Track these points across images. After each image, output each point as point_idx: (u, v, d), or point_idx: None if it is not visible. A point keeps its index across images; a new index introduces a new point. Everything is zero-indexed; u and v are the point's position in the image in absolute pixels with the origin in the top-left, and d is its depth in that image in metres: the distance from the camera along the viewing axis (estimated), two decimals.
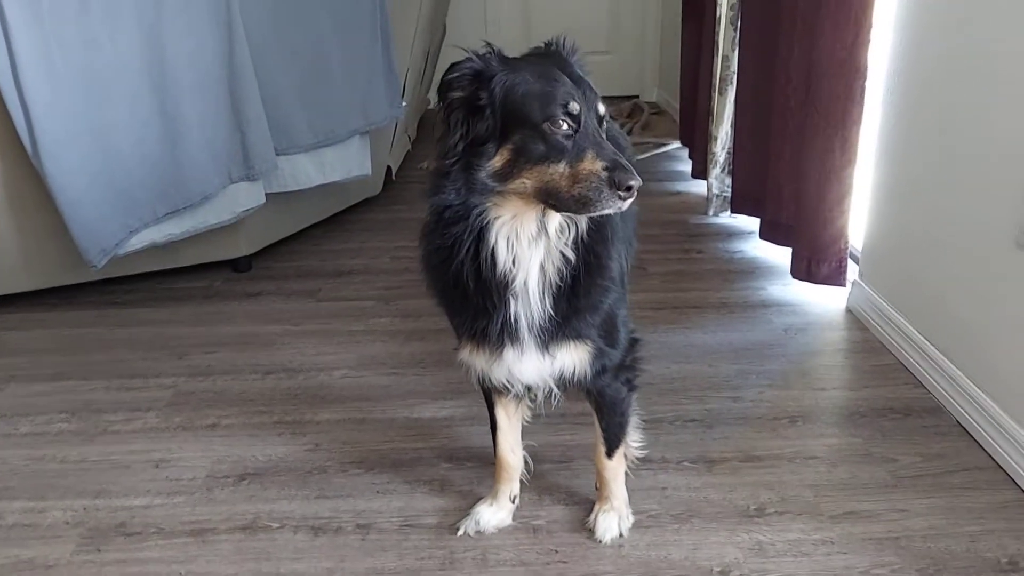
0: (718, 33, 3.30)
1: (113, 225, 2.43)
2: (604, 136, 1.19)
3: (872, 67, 2.27)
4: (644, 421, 1.72)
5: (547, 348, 1.33)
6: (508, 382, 1.40)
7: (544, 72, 1.20)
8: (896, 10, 2.18)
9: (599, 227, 1.29)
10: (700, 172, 3.69)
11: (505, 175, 1.19)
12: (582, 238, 1.27)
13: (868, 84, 2.29)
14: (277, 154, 2.78)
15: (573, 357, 1.36)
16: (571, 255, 1.26)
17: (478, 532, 1.58)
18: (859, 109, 2.30)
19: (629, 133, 4.95)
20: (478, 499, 1.65)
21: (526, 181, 1.18)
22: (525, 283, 1.26)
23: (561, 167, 1.16)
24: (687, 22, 4.05)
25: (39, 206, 2.42)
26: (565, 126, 1.16)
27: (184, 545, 1.58)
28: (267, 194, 2.81)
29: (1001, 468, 1.73)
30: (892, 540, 1.52)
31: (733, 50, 3.16)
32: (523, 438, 1.65)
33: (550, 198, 1.17)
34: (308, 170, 3.00)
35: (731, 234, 3.24)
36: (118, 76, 2.36)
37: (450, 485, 1.74)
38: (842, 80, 2.29)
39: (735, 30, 3.13)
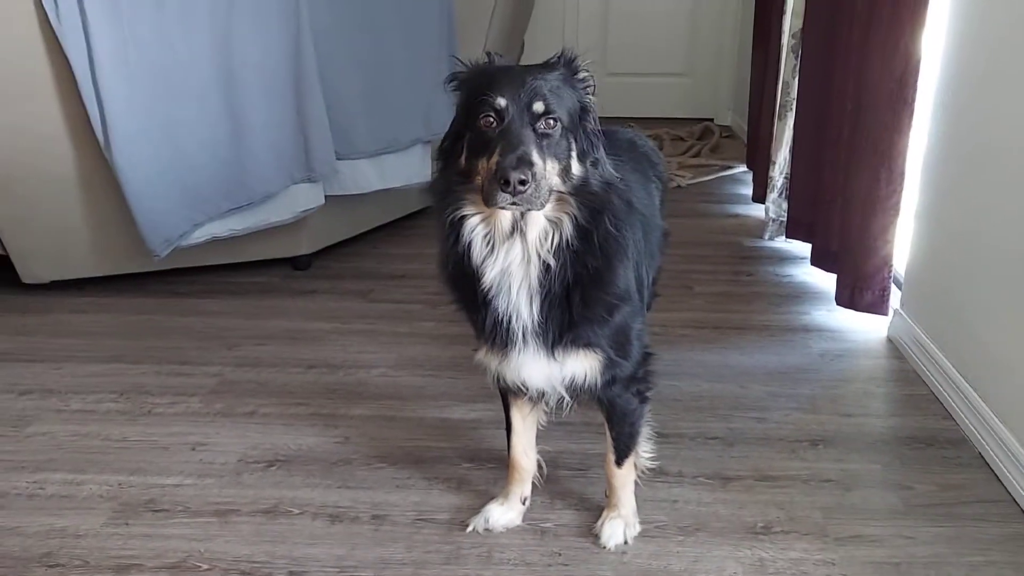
0: (781, 60, 3.30)
1: (177, 217, 2.54)
2: (536, 134, 1.19)
3: (919, 97, 2.25)
4: (663, 435, 1.72)
5: (553, 354, 1.35)
6: (522, 385, 1.43)
7: (496, 72, 1.24)
8: (944, 42, 2.17)
9: (604, 239, 1.28)
10: (760, 196, 3.66)
11: (466, 173, 1.24)
12: (569, 245, 1.26)
13: (915, 114, 2.26)
14: (338, 158, 2.86)
15: (583, 365, 1.38)
16: (553, 262, 1.26)
17: (487, 530, 1.61)
18: (905, 140, 2.29)
19: (697, 155, 4.95)
20: (492, 499, 1.67)
21: (478, 178, 1.22)
22: (506, 285, 1.29)
23: (483, 162, 1.20)
24: (756, 48, 4.04)
25: (109, 196, 2.54)
26: (492, 122, 1.19)
27: (207, 524, 1.65)
28: (329, 196, 2.90)
29: (1016, 502, 1.68)
30: (893, 565, 1.49)
31: (793, 77, 3.15)
32: (539, 443, 1.67)
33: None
34: (368, 175, 3.07)
35: (783, 258, 3.18)
36: (189, 75, 2.47)
37: (467, 484, 1.77)
38: (890, 111, 2.28)
39: (796, 58, 3.11)
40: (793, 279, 2.98)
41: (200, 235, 2.63)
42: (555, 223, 1.26)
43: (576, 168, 1.25)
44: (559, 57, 1.31)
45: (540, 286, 1.28)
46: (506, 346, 1.35)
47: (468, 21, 3.55)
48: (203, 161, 2.55)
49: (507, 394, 1.58)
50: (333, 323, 2.63)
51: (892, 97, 2.26)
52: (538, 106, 1.20)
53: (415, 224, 3.60)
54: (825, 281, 2.86)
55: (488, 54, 1.32)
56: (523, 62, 4.72)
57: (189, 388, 2.20)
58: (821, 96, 2.80)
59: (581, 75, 1.29)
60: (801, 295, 2.83)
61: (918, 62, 2.20)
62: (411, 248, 3.34)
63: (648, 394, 1.50)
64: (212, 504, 1.72)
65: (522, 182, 1.13)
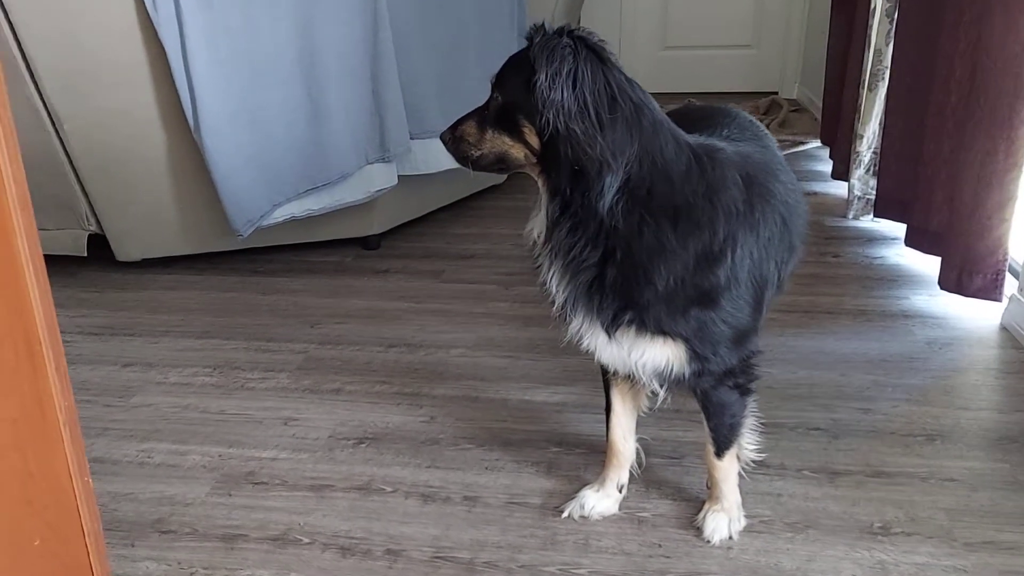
0: (871, 26, 3.10)
1: (260, 199, 2.60)
2: (487, 108, 1.30)
3: None
4: (763, 424, 1.64)
5: (608, 332, 1.32)
6: (600, 361, 1.42)
7: None
8: None
9: (628, 232, 1.23)
10: (841, 173, 3.49)
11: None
12: (559, 219, 1.26)
13: None
14: (411, 138, 2.88)
15: (663, 353, 1.32)
16: (560, 235, 1.26)
17: (582, 517, 1.57)
18: None
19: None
20: (584, 484, 1.64)
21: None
22: (540, 252, 1.33)
23: None
24: (836, 15, 3.83)
25: (196, 178, 2.62)
26: None
27: (304, 498, 1.67)
28: (399, 176, 2.91)
29: None
30: None
31: (887, 44, 2.96)
32: (637, 429, 1.62)
33: None
34: (439, 155, 2.96)
35: (872, 239, 3.05)
36: (274, 62, 2.52)
37: (557, 468, 1.75)
38: (1011, 75, 2.10)
39: (891, 22, 2.94)
40: (885, 261, 2.85)
41: (279, 215, 2.68)
42: (549, 194, 1.27)
43: (533, 140, 1.24)
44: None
45: (549, 254, 1.30)
46: (563, 310, 1.35)
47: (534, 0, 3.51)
48: (285, 144, 2.61)
49: (605, 373, 1.54)
50: (408, 303, 2.63)
51: (1015, 59, 2.07)
52: (493, 82, 1.29)
53: (480, 204, 3.58)
54: (923, 263, 2.72)
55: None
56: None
57: (277, 364, 2.23)
58: (923, 62, 2.61)
59: (532, 50, 1.20)
60: (897, 278, 2.70)
61: None
62: (478, 228, 3.32)
63: (751, 386, 1.42)
64: (308, 478, 1.74)
65: (442, 138, 1.35)
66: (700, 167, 1.25)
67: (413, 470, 1.76)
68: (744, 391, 1.42)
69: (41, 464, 0.80)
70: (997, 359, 2.16)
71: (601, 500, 1.58)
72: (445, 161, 3.10)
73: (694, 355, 1.31)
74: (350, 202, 2.80)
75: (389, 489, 1.69)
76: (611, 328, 1.31)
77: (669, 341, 1.30)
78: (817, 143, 4.31)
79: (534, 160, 1.27)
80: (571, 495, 1.62)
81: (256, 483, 1.73)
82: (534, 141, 1.24)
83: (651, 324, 1.29)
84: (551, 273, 1.31)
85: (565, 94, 1.15)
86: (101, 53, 2.44)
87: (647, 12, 5.76)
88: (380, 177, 2.84)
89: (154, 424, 1.96)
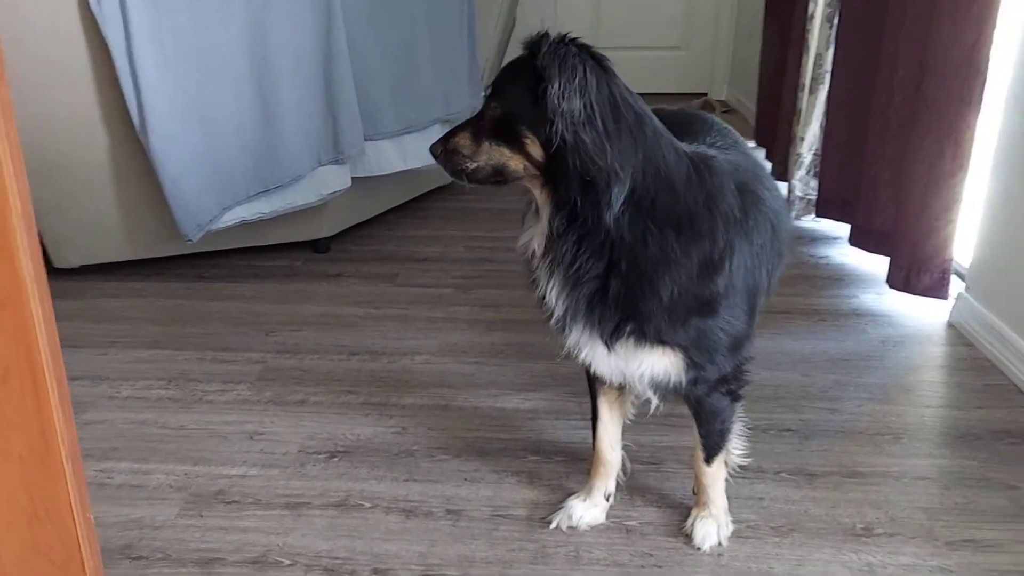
0: (809, 31, 3.19)
1: (209, 202, 2.50)
2: (484, 119, 1.26)
3: (992, 66, 2.16)
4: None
5: (608, 345, 1.30)
6: (594, 372, 1.40)
7: None
8: None
9: (634, 243, 1.22)
10: (780, 174, 3.58)
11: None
12: (562, 231, 1.24)
13: (987, 85, 2.18)
14: (364, 140, 2.83)
15: (661, 362, 1.31)
16: (544, 244, 1.27)
17: (570, 527, 1.56)
18: (975, 113, 2.19)
19: None
20: (568, 494, 1.63)
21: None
22: (538, 263, 1.31)
23: None
24: (771, 20, 3.92)
25: (141, 181, 2.51)
26: None
27: (280, 517, 1.60)
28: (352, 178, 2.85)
29: None
30: (1019, 574, 1.44)
31: (828, 47, 3.05)
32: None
33: None
34: (391, 156, 3.05)
35: (815, 239, 3.14)
36: (224, 61, 2.43)
37: (538, 478, 1.73)
38: (959, 81, 2.18)
39: (831, 27, 3.04)
40: (831, 260, 2.94)
41: (229, 219, 2.59)
42: (553, 206, 1.24)
43: (535, 151, 1.22)
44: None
45: (548, 267, 1.28)
46: (559, 324, 1.33)
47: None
48: (236, 145, 2.52)
49: (593, 381, 1.53)
50: (364, 308, 2.57)
51: (962, 65, 2.15)
52: (488, 92, 1.26)
53: (428, 205, 3.54)
54: (868, 262, 2.82)
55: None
56: (514, 38, 4.67)
57: (235, 375, 2.14)
58: (865, 66, 2.69)
59: (540, 58, 1.17)
60: (844, 277, 2.78)
61: (994, 26, 2.10)
62: (427, 230, 3.28)
63: (741, 392, 1.44)
64: (282, 496, 1.67)
65: (433, 151, 1.30)
66: (699, 176, 1.26)
67: (390, 484, 1.71)
68: (735, 397, 1.43)
69: (47, 503, 0.73)
70: (949, 356, 2.26)
71: (589, 510, 1.57)
72: (397, 163, 3.08)
73: (691, 364, 1.31)
74: (302, 205, 2.72)
75: (368, 505, 1.64)
76: (611, 340, 1.29)
77: (668, 351, 1.30)
78: (751, 145, 4.42)
79: (534, 172, 1.25)
80: (556, 505, 1.61)
81: (228, 502, 1.65)
82: (536, 152, 1.22)
83: (651, 335, 1.28)
84: (550, 285, 1.29)
85: (575, 104, 1.13)
86: (40, 52, 2.31)
87: (580, 13, 5.81)
88: (333, 179, 2.78)
89: (110, 442, 1.85)
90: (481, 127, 1.26)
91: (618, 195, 1.18)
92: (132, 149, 2.44)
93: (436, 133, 3.23)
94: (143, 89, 2.30)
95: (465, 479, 1.73)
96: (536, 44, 1.18)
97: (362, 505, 1.64)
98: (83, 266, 2.75)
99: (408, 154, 3.10)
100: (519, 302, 2.57)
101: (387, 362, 2.23)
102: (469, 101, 3.38)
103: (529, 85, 1.17)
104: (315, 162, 2.69)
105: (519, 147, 1.22)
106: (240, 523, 1.59)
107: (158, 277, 2.77)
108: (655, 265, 1.23)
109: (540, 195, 1.27)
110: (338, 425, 1.92)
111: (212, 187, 2.49)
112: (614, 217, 1.19)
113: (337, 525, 1.58)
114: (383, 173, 3.01)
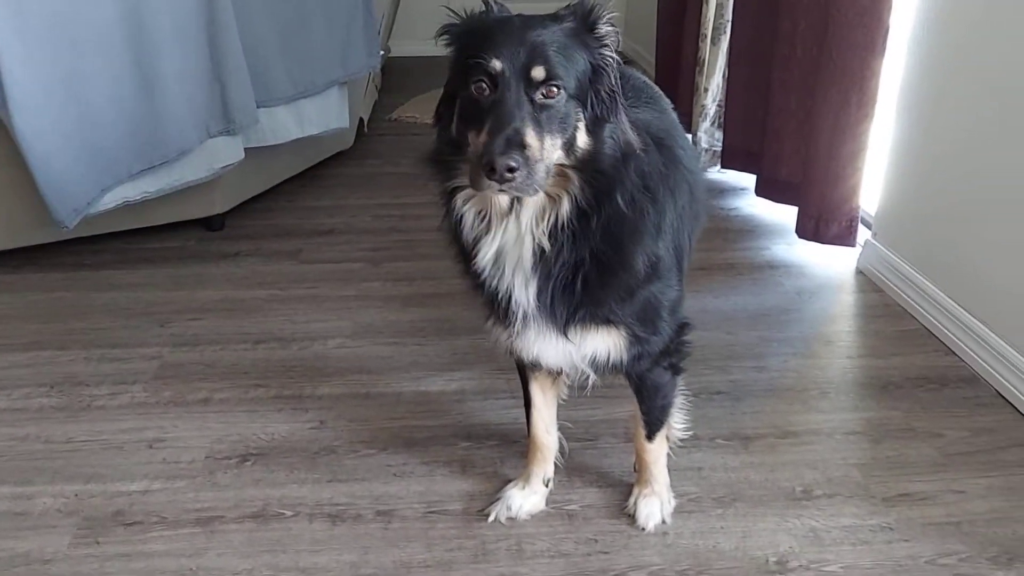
0: None
1: (86, 183, 2.27)
2: (534, 105, 1.04)
3: (896, 15, 2.18)
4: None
5: (565, 334, 1.22)
6: (536, 361, 1.32)
7: (493, 27, 1.07)
8: None
9: (612, 221, 1.13)
10: (685, 126, 3.58)
11: (458, 144, 1.10)
12: (569, 226, 1.12)
13: (889, 34, 2.20)
14: (257, 107, 2.64)
15: (604, 343, 1.26)
16: (548, 245, 1.13)
17: (510, 519, 1.49)
18: (879, 61, 2.22)
19: None
20: (505, 482, 1.56)
21: (469, 149, 1.07)
22: (501, 265, 1.17)
23: (473, 135, 1.06)
24: None
25: (5, 162, 2.25)
26: (485, 88, 1.04)
27: (191, 536, 1.47)
28: (245, 149, 2.66)
29: None
30: (954, 525, 1.47)
31: None
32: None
33: None
34: (287, 123, 2.88)
35: (723, 190, 3.15)
36: (91, 23, 2.20)
37: (472, 466, 1.65)
38: (862, 30, 2.20)
39: None
40: (740, 212, 2.95)
41: (110, 200, 2.36)
42: (554, 200, 1.12)
43: (583, 140, 1.09)
44: (571, 7, 1.12)
45: (534, 270, 1.16)
46: (511, 324, 1.23)
47: None
48: (111, 118, 2.29)
49: (523, 367, 1.45)
50: (268, 290, 2.41)
51: (865, 14, 2.17)
52: (538, 72, 1.04)
53: (326, 173, 3.35)
54: (775, 213, 2.84)
55: (486, 2, 1.12)
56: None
57: (128, 375, 1.96)
58: (767, 17, 2.69)
59: (599, 31, 1.10)
60: (753, 228, 2.80)
61: None
62: (329, 199, 3.11)
63: (681, 365, 1.40)
64: (191, 511, 1.52)
65: (510, 169, 0.99)
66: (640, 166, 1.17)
67: (312, 487, 1.59)
68: (676, 371, 1.40)
69: None
70: (861, 303, 2.30)
71: (528, 498, 1.51)
72: (294, 130, 2.90)
73: (635, 339, 1.26)
74: (192, 181, 2.53)
75: (289, 513, 1.52)
76: (566, 328, 1.22)
77: (613, 329, 1.24)
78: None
79: (566, 162, 1.09)
80: (493, 495, 1.54)
81: (128, 524, 1.49)
82: (582, 140, 1.09)
83: (601, 315, 1.21)
84: (516, 284, 1.17)
85: (616, 78, 1.08)
86: None
87: None
88: (224, 151, 2.59)
89: None
90: (538, 118, 1.04)
91: (635, 170, 1.11)
92: None
93: (334, 96, 3.06)
94: (3, 59, 2.05)
95: (394, 474, 1.63)
96: (586, 11, 1.08)
97: (282, 514, 1.52)
98: None
99: (306, 120, 2.93)
100: (434, 274, 2.46)
101: (298, 349, 2.09)
102: (367, 61, 3.22)
103: (583, 61, 1.07)
104: (204, 134, 2.50)
105: (571, 135, 1.08)
106: (145, 547, 1.44)
107: (32, 267, 2.51)
108: (632, 235, 1.16)
109: (556, 190, 1.11)
110: (248, 424, 1.78)
111: (88, 166, 2.27)
112: (628, 193, 1.11)
113: (256, 539, 1.46)
114: (279, 142, 2.84)
